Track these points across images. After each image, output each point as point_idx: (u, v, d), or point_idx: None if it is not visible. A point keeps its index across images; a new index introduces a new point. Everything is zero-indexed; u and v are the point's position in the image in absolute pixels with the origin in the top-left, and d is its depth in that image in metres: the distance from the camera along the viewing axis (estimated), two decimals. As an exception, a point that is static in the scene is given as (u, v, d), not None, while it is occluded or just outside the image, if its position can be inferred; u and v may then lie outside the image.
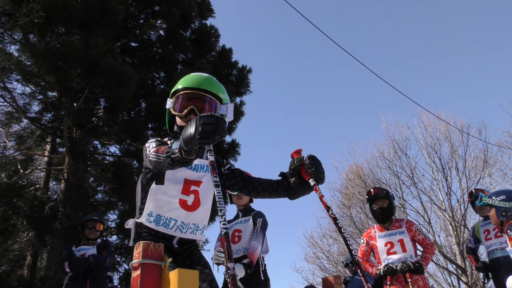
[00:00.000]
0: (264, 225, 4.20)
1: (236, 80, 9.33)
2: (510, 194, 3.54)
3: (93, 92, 7.06)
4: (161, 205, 2.12)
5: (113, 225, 8.41)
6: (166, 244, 2.08)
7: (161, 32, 9.37)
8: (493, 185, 15.42)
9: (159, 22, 9.20)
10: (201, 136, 1.61)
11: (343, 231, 1.84)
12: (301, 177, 2.06)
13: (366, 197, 4.68)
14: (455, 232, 15.38)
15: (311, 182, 2.00)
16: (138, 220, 2.17)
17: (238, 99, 9.30)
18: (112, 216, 8.57)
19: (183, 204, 2.14)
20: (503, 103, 34.44)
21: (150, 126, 8.55)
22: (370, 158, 18.16)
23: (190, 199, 2.15)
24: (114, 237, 8.59)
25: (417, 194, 16.43)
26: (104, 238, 7.08)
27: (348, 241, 1.83)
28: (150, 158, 1.93)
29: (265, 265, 4.14)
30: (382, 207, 4.45)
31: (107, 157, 8.99)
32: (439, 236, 16.35)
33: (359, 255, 4.61)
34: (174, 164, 1.81)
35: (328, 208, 1.94)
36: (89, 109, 7.92)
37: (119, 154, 8.98)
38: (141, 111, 8.75)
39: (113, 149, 9.28)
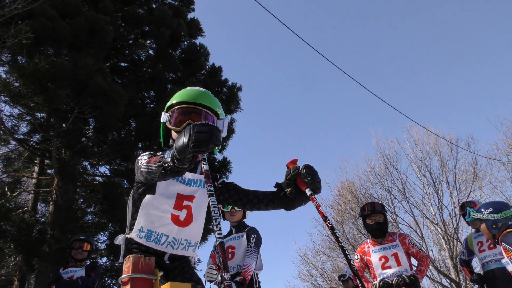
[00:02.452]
0: (258, 241, 4.14)
1: (226, 98, 9.34)
2: (497, 206, 3.52)
3: (82, 112, 7.01)
4: (152, 220, 2.06)
5: (103, 246, 8.24)
6: (157, 260, 2.02)
7: (150, 52, 9.41)
8: (484, 198, 15.54)
9: (148, 42, 9.25)
10: (195, 145, 1.57)
11: (341, 241, 1.79)
12: (297, 187, 2.03)
13: (363, 212, 4.47)
14: (448, 246, 15.38)
15: (308, 192, 1.96)
16: (128, 236, 2.11)
17: (228, 117, 9.31)
18: (102, 238, 8.41)
19: (175, 219, 2.08)
20: (490, 117, 35.06)
21: (140, 145, 8.48)
22: (362, 174, 18.27)
23: (182, 215, 2.10)
24: (104, 259, 8.41)
25: (409, 208, 16.50)
26: (94, 260, 6.90)
27: (346, 251, 1.78)
28: (142, 169, 1.89)
29: (259, 282, 4.06)
30: (379, 222, 4.37)
31: (97, 178, 8.86)
32: (432, 250, 16.35)
33: None
34: (166, 174, 1.76)
35: (325, 218, 1.90)
36: (78, 129, 7.84)
37: (109, 175, 8.86)
38: (131, 131, 8.69)
39: (103, 169, 9.16)
